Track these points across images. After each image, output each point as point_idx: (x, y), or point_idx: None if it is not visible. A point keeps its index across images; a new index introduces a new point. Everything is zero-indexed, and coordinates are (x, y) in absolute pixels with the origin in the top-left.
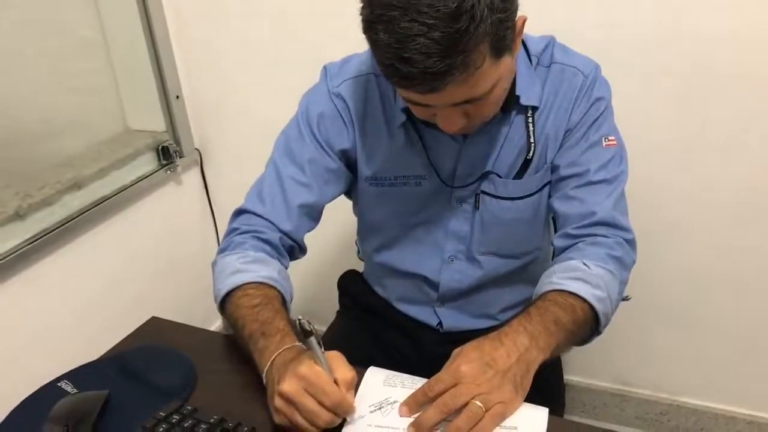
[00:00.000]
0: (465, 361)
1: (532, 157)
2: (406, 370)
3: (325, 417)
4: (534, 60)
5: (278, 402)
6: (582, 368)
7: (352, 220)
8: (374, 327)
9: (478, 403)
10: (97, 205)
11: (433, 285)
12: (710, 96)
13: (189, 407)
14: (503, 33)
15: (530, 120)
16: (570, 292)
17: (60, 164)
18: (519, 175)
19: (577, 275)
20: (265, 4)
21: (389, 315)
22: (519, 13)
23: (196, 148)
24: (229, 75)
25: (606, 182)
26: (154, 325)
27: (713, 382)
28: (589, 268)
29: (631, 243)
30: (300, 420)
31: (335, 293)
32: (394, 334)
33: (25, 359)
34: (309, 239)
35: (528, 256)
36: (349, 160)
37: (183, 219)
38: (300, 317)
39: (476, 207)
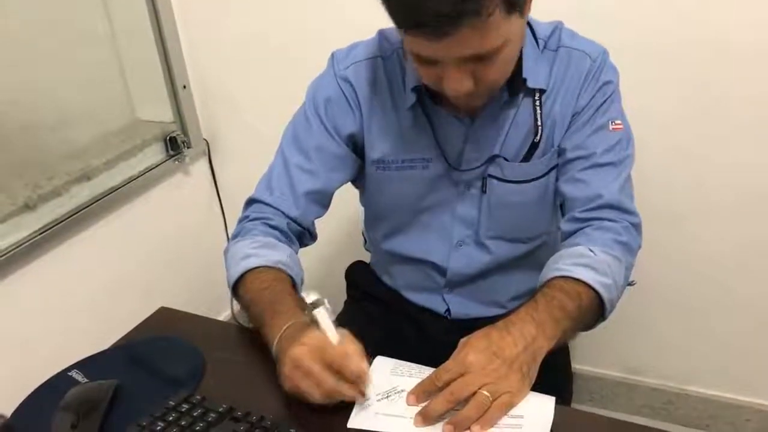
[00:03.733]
0: (472, 351)
1: (539, 140)
2: (413, 360)
3: (329, 381)
4: (541, 44)
5: (287, 368)
6: (590, 357)
7: (359, 211)
8: (382, 316)
9: (486, 392)
10: (106, 195)
11: (441, 271)
12: (716, 84)
13: (198, 396)
14: None
15: (537, 103)
16: (576, 279)
17: (69, 155)
18: (526, 158)
19: (583, 261)
20: None
21: (397, 304)
22: None
23: (204, 139)
24: (236, 64)
25: (612, 165)
26: (163, 315)
27: (721, 371)
28: (595, 254)
29: (637, 227)
30: (305, 385)
31: (343, 284)
32: (402, 323)
33: (35, 349)
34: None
35: (536, 241)
36: (356, 145)
37: (191, 209)
38: (306, 292)
39: (483, 191)
